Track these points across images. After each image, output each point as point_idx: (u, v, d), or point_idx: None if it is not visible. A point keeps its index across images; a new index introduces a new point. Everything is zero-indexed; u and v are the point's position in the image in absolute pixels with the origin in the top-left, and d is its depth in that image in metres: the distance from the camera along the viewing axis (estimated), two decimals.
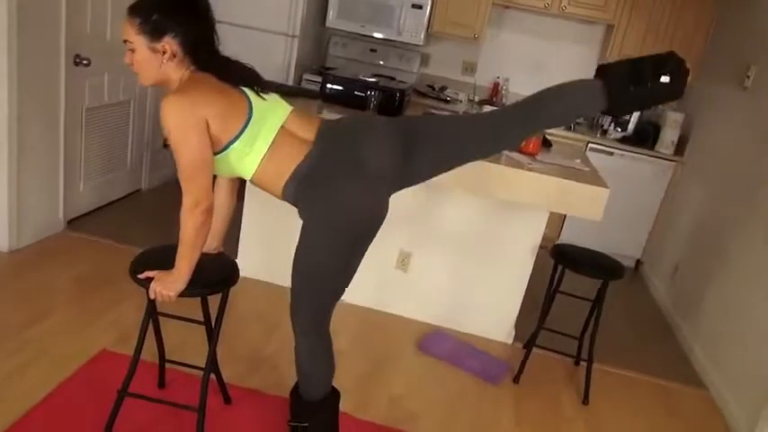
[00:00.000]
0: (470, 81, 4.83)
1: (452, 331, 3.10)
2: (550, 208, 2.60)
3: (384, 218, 1.74)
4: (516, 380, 2.76)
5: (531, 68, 4.81)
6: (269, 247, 3.15)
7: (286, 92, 2.10)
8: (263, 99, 1.68)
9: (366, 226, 1.71)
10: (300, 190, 1.67)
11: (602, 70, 1.70)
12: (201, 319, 2.03)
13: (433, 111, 3.34)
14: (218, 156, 1.63)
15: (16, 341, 2.38)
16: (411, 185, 1.84)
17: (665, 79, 1.62)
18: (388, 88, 3.10)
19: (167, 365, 2.24)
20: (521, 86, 4.66)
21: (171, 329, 2.17)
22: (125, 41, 1.61)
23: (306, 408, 1.93)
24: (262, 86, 1.70)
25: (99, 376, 2.27)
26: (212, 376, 2.03)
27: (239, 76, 1.67)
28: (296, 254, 1.75)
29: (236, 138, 1.61)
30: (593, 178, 2.64)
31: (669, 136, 4.26)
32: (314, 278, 1.75)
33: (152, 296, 1.73)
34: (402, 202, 3.06)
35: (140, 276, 1.75)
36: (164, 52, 1.59)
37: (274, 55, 4.29)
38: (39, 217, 3.20)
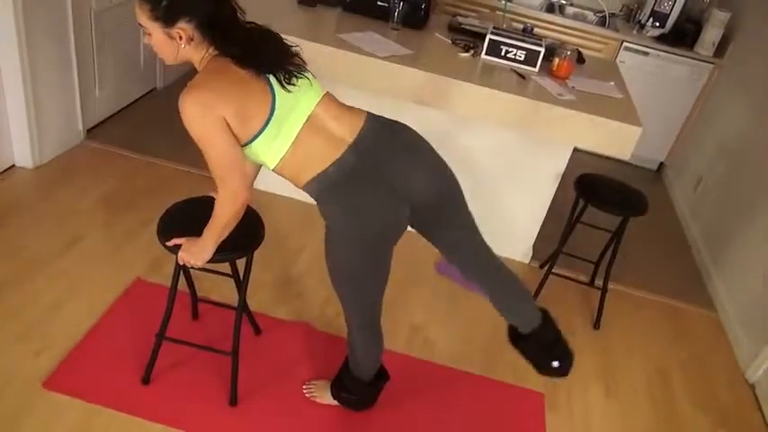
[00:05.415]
0: None
1: None
2: (576, 144, 2.52)
3: (403, 231, 1.70)
4: None
5: None
6: None
7: None
8: (289, 91, 1.55)
9: (383, 235, 1.67)
10: (323, 195, 1.61)
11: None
12: (229, 272, 2.09)
13: (460, 20, 3.12)
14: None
15: (52, 271, 2.48)
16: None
17: (555, 364, 1.97)
18: None
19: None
20: None
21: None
22: (140, 25, 1.50)
23: (356, 383, 2.08)
24: (288, 70, 1.56)
25: (136, 308, 2.39)
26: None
27: (262, 62, 1.53)
28: (326, 259, 1.73)
29: (256, 136, 1.53)
30: (626, 110, 2.53)
31: (711, 36, 3.98)
32: (351, 279, 1.75)
33: (180, 263, 1.78)
34: (420, 126, 2.97)
35: (168, 244, 1.79)
36: (180, 38, 1.49)
37: None
38: (58, 129, 3.18)
